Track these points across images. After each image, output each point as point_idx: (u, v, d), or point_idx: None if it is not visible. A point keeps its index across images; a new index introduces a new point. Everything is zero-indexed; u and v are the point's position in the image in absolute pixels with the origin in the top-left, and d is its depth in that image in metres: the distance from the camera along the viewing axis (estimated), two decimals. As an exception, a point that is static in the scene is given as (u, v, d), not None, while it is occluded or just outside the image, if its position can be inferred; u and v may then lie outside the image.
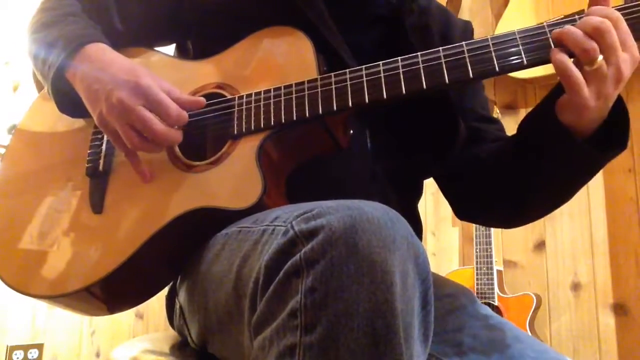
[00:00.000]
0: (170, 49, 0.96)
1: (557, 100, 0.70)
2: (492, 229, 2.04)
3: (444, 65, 0.69)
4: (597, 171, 0.75)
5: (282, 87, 0.75)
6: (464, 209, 0.94)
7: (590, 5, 0.68)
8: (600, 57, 0.63)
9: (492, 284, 2.02)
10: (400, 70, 0.71)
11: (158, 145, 0.76)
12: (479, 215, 0.96)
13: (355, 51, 0.82)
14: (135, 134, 0.75)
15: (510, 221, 0.94)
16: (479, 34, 0.72)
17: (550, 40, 0.66)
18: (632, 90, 2.15)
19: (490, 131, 0.93)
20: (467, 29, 0.96)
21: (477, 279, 2.04)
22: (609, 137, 0.71)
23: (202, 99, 0.79)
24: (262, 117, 0.75)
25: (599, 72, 0.64)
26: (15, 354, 2.47)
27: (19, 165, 0.91)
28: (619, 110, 0.70)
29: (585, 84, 0.65)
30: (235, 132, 0.76)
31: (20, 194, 0.87)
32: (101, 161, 0.84)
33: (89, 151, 0.86)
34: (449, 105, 0.83)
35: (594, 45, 0.63)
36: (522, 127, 0.80)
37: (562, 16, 0.68)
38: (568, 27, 0.65)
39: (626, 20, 0.64)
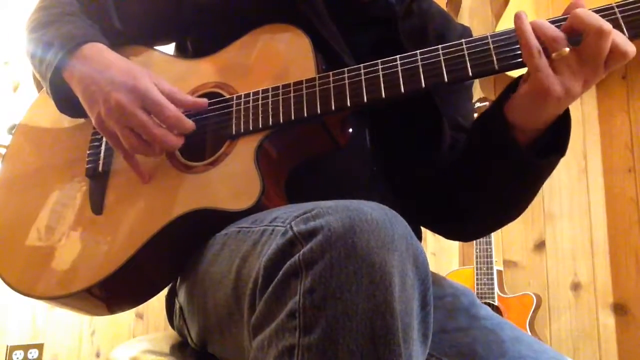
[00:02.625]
0: (169, 48, 0.96)
1: (512, 94, 0.69)
2: (493, 229, 2.03)
3: (443, 64, 0.69)
4: (535, 179, 0.74)
5: (281, 87, 0.75)
6: (423, 215, 0.90)
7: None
8: (567, 49, 0.63)
9: (492, 284, 2.02)
10: (399, 69, 0.70)
11: (157, 148, 0.76)
12: (430, 222, 0.92)
13: (355, 51, 0.82)
14: (134, 137, 0.74)
15: (456, 233, 0.93)
16: (478, 33, 0.71)
17: None
18: (633, 89, 2.15)
19: (461, 140, 0.90)
20: (465, 34, 0.95)
21: (477, 279, 2.04)
22: (549, 144, 0.71)
23: (205, 100, 0.79)
24: (260, 117, 0.75)
25: (564, 61, 0.63)
26: (15, 354, 2.47)
27: (19, 165, 0.91)
28: (562, 118, 0.70)
29: (551, 70, 0.64)
30: (234, 132, 0.76)
31: (20, 195, 0.87)
32: (100, 162, 0.84)
33: (88, 152, 0.86)
34: (435, 107, 0.83)
35: (561, 34, 0.63)
36: (471, 127, 0.79)
37: (562, 16, 0.68)
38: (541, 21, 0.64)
39: (623, 18, 0.64)
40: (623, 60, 0.63)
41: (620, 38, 0.62)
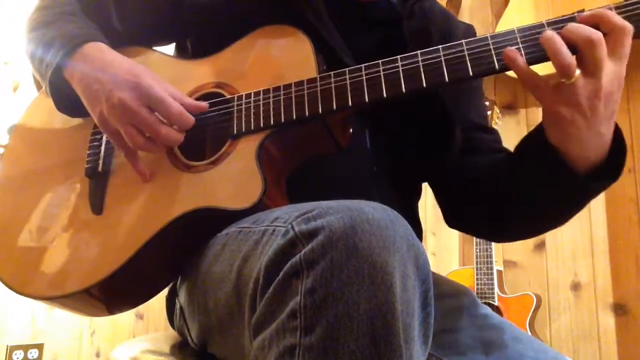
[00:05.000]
0: (169, 49, 0.96)
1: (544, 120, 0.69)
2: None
3: (443, 64, 0.69)
4: (585, 200, 0.73)
5: (282, 87, 0.75)
6: (453, 217, 0.93)
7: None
8: (578, 72, 0.62)
9: (492, 284, 2.02)
10: (400, 69, 0.70)
11: (160, 145, 0.76)
12: (466, 225, 0.94)
13: (355, 53, 0.82)
14: (138, 134, 0.74)
15: (494, 236, 0.94)
16: (479, 33, 0.71)
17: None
18: (633, 89, 2.15)
19: (486, 142, 0.91)
20: (469, 33, 0.95)
21: (477, 279, 2.04)
22: (605, 167, 0.69)
23: (205, 104, 0.79)
24: (261, 116, 0.75)
25: (575, 85, 0.62)
26: (15, 354, 2.47)
27: (18, 165, 0.91)
28: (619, 141, 0.69)
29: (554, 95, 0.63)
30: (235, 131, 0.76)
31: (19, 194, 0.87)
32: (100, 162, 0.84)
33: (87, 152, 0.86)
34: (445, 107, 0.83)
35: (574, 62, 0.61)
36: (518, 146, 0.79)
37: (562, 16, 0.67)
38: (553, 34, 0.62)
39: (625, 19, 0.64)
40: (624, 37, 0.62)
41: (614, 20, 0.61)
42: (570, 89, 0.63)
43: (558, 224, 0.79)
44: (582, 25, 0.62)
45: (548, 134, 0.69)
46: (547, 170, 0.71)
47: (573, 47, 0.62)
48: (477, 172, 0.86)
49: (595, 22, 0.63)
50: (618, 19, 0.62)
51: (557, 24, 0.66)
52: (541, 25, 0.67)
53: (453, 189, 0.91)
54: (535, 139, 0.73)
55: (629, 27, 0.62)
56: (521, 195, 0.78)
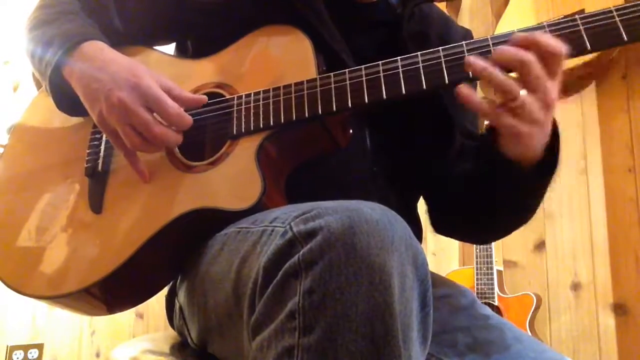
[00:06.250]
0: (169, 49, 0.96)
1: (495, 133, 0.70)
2: (492, 229, 2.03)
3: (443, 65, 0.69)
4: (544, 192, 0.76)
5: (282, 87, 0.75)
6: (439, 223, 0.94)
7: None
8: (523, 91, 0.63)
9: (492, 284, 2.02)
10: (400, 70, 0.70)
11: (157, 145, 0.76)
12: (450, 230, 0.95)
13: (355, 54, 0.82)
14: (136, 134, 0.74)
15: (476, 237, 0.97)
16: (479, 34, 0.72)
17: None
18: (633, 89, 2.15)
19: (472, 148, 0.92)
20: (466, 37, 0.96)
21: (477, 279, 2.04)
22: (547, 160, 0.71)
23: (203, 97, 0.79)
24: (261, 117, 0.75)
25: (524, 106, 0.63)
26: (15, 354, 2.47)
27: (17, 164, 0.91)
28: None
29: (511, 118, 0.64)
30: (235, 132, 0.76)
31: (18, 194, 0.87)
32: (100, 161, 0.84)
33: (87, 151, 0.86)
34: (445, 109, 0.83)
35: (513, 85, 0.62)
36: (476, 153, 0.81)
37: (562, 16, 0.67)
38: (485, 65, 0.63)
39: (623, 21, 0.63)
40: (558, 60, 0.63)
41: (547, 42, 0.62)
42: (522, 108, 0.63)
43: (528, 215, 0.81)
44: (510, 48, 0.63)
45: (505, 149, 0.70)
46: (500, 175, 0.73)
47: (507, 70, 0.63)
48: (460, 178, 0.86)
49: (527, 45, 0.63)
50: (550, 43, 0.62)
51: (557, 26, 0.66)
52: (541, 27, 0.67)
53: (440, 196, 0.92)
54: (487, 152, 0.74)
55: (561, 51, 0.62)
56: (485, 200, 0.80)
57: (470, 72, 0.66)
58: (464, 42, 0.69)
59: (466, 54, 0.68)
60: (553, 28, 0.66)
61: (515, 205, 0.78)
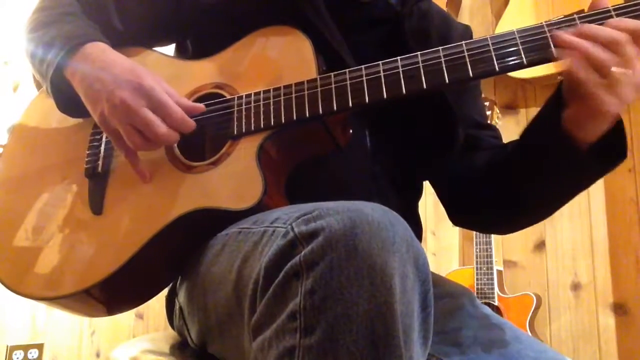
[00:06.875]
0: (169, 49, 0.96)
1: (564, 113, 0.69)
2: (492, 229, 2.04)
3: (443, 65, 0.69)
4: (596, 180, 0.75)
5: (282, 87, 0.75)
6: (458, 216, 0.94)
7: (591, 6, 0.67)
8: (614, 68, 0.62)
9: (492, 284, 2.02)
10: (400, 70, 0.71)
11: (159, 145, 0.76)
12: (472, 222, 0.96)
13: (356, 52, 0.82)
14: (138, 135, 0.74)
15: (502, 228, 0.95)
16: (479, 33, 0.71)
17: (550, 40, 0.66)
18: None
19: (485, 138, 0.93)
20: (466, 33, 0.96)
21: (477, 279, 2.04)
22: (607, 147, 0.70)
23: (202, 106, 0.79)
24: (262, 117, 0.75)
25: (619, 82, 0.63)
26: (15, 354, 2.47)
27: (17, 164, 0.91)
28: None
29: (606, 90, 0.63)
30: (235, 132, 0.76)
31: (17, 194, 0.87)
32: (100, 162, 0.84)
33: (87, 152, 0.86)
34: (448, 106, 0.83)
35: (609, 59, 0.62)
36: (525, 134, 0.79)
37: (562, 16, 0.68)
38: (578, 40, 0.63)
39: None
40: None
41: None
42: (616, 85, 0.63)
43: (564, 202, 0.80)
44: (605, 28, 0.63)
45: (571, 126, 0.69)
46: (557, 155, 0.72)
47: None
48: (478, 168, 0.87)
49: (620, 29, 0.63)
50: None
51: (557, 25, 0.66)
52: (540, 27, 0.67)
53: (456, 187, 0.92)
54: (547, 130, 0.73)
55: None
56: (529, 180, 0.79)
57: (470, 73, 0.66)
58: (463, 42, 0.69)
59: (466, 54, 0.68)
60: (552, 28, 0.66)
61: (559, 191, 0.78)
